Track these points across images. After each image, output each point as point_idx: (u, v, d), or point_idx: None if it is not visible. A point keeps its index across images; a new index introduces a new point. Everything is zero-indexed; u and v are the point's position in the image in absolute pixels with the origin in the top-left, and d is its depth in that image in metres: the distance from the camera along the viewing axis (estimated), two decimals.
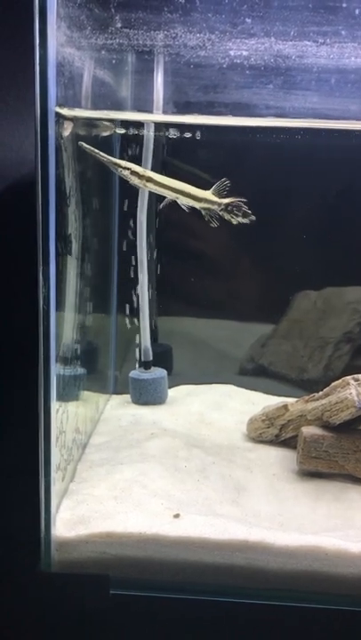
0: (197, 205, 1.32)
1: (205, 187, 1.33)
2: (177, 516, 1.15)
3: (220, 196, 1.30)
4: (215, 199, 1.31)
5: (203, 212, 1.32)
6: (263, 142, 1.46)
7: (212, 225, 1.34)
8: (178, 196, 1.31)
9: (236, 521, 1.16)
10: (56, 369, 1.09)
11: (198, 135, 1.30)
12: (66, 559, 1.11)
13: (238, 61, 1.00)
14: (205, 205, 1.31)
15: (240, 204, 1.31)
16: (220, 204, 1.31)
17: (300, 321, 1.98)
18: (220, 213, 1.32)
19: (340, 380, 1.38)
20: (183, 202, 1.31)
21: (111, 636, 1.10)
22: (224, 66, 1.02)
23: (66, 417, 1.20)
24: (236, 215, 1.33)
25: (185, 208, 1.32)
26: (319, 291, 1.97)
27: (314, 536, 1.13)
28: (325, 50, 0.94)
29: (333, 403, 1.36)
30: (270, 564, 1.11)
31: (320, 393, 1.43)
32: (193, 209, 1.33)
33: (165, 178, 1.31)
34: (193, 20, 0.94)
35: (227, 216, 1.32)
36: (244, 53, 0.97)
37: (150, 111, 1.33)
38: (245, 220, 1.32)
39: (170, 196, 1.31)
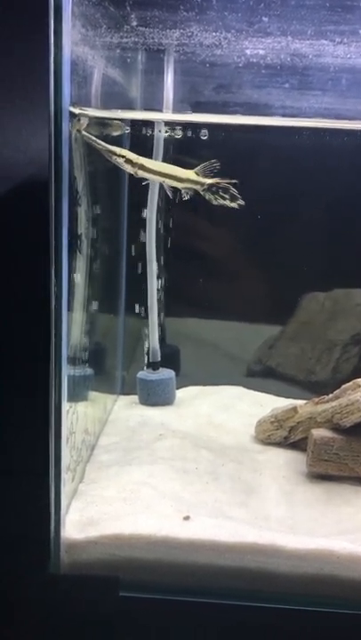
0: (180, 186, 1.26)
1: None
2: (187, 518, 1.14)
3: (207, 177, 1.25)
4: (198, 179, 1.24)
5: (183, 192, 1.27)
6: (273, 142, 1.45)
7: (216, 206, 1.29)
8: (164, 179, 1.26)
9: (246, 523, 1.16)
10: (67, 369, 1.08)
11: (205, 134, 1.29)
12: (75, 561, 1.10)
13: (254, 60, 0.99)
14: (188, 185, 1.25)
15: (227, 186, 1.25)
16: (203, 184, 1.24)
17: (308, 323, 1.97)
18: (203, 194, 1.26)
19: (350, 383, 1.37)
20: (168, 183, 1.26)
21: (120, 638, 1.09)
22: (240, 65, 1.01)
23: (76, 418, 1.20)
24: (223, 198, 1.26)
25: (168, 192, 1.28)
26: (327, 292, 1.97)
27: (325, 539, 1.12)
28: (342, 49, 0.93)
29: (344, 405, 1.36)
30: (281, 568, 1.10)
31: (330, 395, 1.42)
32: (197, 200, 1.30)
33: (155, 162, 1.28)
34: (208, 19, 0.93)
35: (208, 196, 1.26)
36: (261, 52, 0.97)
37: (160, 110, 1.32)
38: (234, 205, 1.25)
39: (157, 180, 1.26)
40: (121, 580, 1.08)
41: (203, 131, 1.34)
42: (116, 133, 1.45)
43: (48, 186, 0.97)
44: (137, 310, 1.71)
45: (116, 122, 1.42)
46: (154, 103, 1.35)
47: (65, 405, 1.06)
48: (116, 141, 1.57)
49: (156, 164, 1.27)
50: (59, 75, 0.92)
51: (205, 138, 1.36)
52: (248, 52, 0.96)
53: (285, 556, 1.10)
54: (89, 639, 1.09)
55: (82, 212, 1.41)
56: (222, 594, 1.09)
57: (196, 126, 1.35)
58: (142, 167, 1.25)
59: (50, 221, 0.96)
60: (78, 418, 1.22)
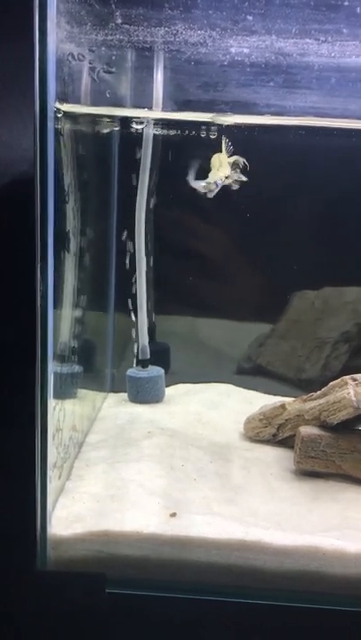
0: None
1: None
2: (173, 515, 1.15)
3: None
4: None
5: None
6: (261, 140, 1.45)
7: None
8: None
9: (234, 520, 1.16)
10: (53, 366, 1.08)
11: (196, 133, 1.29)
12: (62, 557, 1.10)
13: (239, 59, 1.00)
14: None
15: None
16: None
17: (299, 321, 1.98)
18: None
19: (338, 380, 1.38)
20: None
21: (107, 635, 1.09)
22: (225, 63, 1.02)
23: (63, 415, 1.20)
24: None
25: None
26: (318, 291, 1.97)
27: (311, 536, 1.12)
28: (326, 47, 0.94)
29: (331, 402, 1.36)
30: (268, 564, 1.10)
31: (318, 392, 1.42)
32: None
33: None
34: (193, 17, 0.94)
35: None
36: (245, 51, 0.97)
37: (150, 108, 1.33)
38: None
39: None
40: (107, 577, 1.08)
41: (190, 129, 1.34)
42: (105, 131, 1.45)
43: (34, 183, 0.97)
44: (126, 308, 1.72)
45: (106, 120, 1.42)
46: (141, 101, 1.35)
47: (51, 402, 1.06)
48: (105, 139, 1.57)
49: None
50: (44, 72, 0.91)
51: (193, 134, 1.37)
52: (233, 50, 0.97)
53: (272, 553, 1.10)
54: (76, 636, 1.09)
55: (70, 209, 1.41)
56: (209, 590, 1.09)
57: (183, 125, 1.35)
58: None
59: (35, 218, 0.96)
60: (65, 415, 1.22)
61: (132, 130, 1.51)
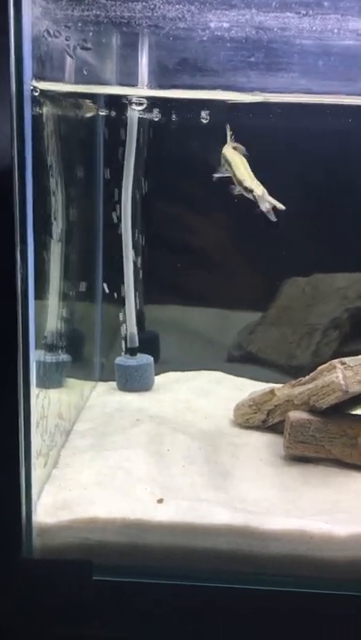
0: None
1: None
2: (160, 501, 1.14)
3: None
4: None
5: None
6: (248, 121, 1.43)
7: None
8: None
9: (221, 506, 1.15)
10: (36, 354, 1.07)
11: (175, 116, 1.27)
12: (48, 545, 1.09)
13: (219, 34, 0.98)
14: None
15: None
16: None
17: (289, 308, 1.97)
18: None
19: (326, 364, 1.37)
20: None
21: (94, 622, 1.09)
22: (205, 39, 1.00)
23: (47, 402, 1.19)
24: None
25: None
26: (308, 277, 1.96)
27: (299, 520, 1.12)
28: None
29: (320, 387, 1.35)
30: (255, 549, 1.09)
31: (307, 377, 1.41)
32: None
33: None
34: None
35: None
36: (225, 25, 0.95)
37: (132, 85, 1.30)
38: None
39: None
40: (95, 564, 1.07)
41: (175, 112, 1.33)
42: (88, 115, 1.43)
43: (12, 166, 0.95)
44: (115, 296, 1.70)
45: (88, 103, 1.40)
46: (123, 79, 1.33)
47: (34, 390, 1.05)
48: (90, 123, 1.55)
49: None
50: (19, 52, 0.89)
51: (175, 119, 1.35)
52: (212, 25, 0.95)
53: (259, 537, 1.10)
54: (62, 623, 1.09)
55: (53, 194, 1.39)
56: (196, 576, 1.08)
57: (167, 105, 1.33)
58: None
59: (14, 198, 0.94)
60: (50, 403, 1.20)
61: (118, 113, 1.50)
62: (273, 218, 1.28)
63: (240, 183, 1.32)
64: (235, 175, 1.34)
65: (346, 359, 1.35)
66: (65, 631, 1.09)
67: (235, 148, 1.35)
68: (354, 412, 1.42)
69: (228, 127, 1.33)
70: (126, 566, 1.09)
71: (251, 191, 1.29)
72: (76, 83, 1.19)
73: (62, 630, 1.08)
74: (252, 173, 1.34)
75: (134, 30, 1.01)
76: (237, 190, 1.34)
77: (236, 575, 1.10)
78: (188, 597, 1.08)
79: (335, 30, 0.95)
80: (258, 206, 1.29)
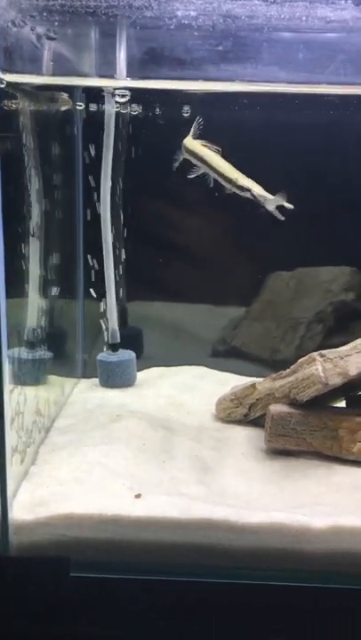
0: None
1: None
2: (138, 496, 1.13)
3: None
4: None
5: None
6: (228, 112, 1.42)
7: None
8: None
9: (200, 500, 1.14)
10: (10, 351, 1.06)
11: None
12: (24, 543, 1.08)
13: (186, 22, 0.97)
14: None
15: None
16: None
17: (273, 302, 1.96)
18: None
19: (306, 357, 1.36)
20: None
21: (72, 619, 1.08)
22: (171, 27, 0.99)
23: (23, 399, 1.18)
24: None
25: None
26: (292, 271, 1.96)
27: (278, 513, 1.11)
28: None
29: (300, 379, 1.34)
30: (234, 543, 1.09)
31: (287, 370, 1.41)
32: None
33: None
34: None
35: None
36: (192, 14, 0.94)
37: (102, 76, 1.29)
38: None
39: None
40: (72, 561, 1.06)
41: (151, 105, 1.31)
42: (63, 108, 1.42)
43: None
44: (96, 292, 1.69)
45: (63, 96, 1.39)
46: (103, 71, 1.31)
47: (7, 386, 1.04)
48: (66, 116, 1.54)
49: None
50: None
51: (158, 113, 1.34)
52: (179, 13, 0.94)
53: (238, 531, 1.09)
54: (40, 621, 1.08)
55: (29, 190, 1.38)
56: (175, 571, 1.08)
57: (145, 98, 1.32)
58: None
59: None
60: (27, 399, 1.19)
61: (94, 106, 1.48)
62: (281, 217, 1.24)
63: (231, 182, 1.29)
64: (222, 175, 1.30)
65: (325, 351, 1.34)
66: (42, 629, 1.08)
67: (204, 145, 1.33)
68: (335, 405, 1.42)
69: (197, 120, 1.31)
70: (104, 562, 1.08)
71: (248, 190, 1.25)
72: (49, 75, 1.17)
73: (40, 628, 1.08)
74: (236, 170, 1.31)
75: (102, 20, 0.99)
76: (228, 189, 1.30)
77: (215, 570, 1.09)
78: (167, 593, 1.07)
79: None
80: (262, 206, 1.25)
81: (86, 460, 1.23)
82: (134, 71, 1.29)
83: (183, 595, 1.08)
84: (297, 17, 0.94)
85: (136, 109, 1.54)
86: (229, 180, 1.29)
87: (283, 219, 1.23)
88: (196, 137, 1.36)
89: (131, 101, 1.49)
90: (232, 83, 1.18)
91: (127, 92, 1.38)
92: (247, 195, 1.28)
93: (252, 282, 1.94)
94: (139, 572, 1.08)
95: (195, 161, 1.35)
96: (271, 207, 1.23)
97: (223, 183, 1.32)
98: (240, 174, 1.29)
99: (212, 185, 1.36)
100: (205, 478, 1.25)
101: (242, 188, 1.27)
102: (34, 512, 1.09)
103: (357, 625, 1.07)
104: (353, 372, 1.31)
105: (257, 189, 1.24)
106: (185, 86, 1.27)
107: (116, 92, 1.38)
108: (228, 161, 1.34)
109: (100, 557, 1.09)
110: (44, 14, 0.93)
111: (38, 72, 1.14)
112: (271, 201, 1.23)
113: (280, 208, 1.26)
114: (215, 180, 1.34)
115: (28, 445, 1.22)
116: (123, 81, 1.27)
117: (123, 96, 1.39)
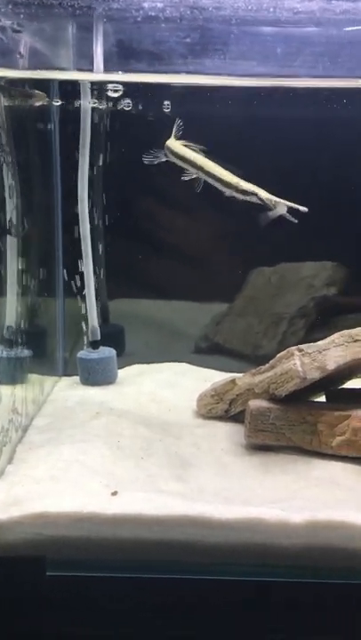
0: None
1: None
2: (115, 493, 1.12)
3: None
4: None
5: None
6: (211, 108, 1.40)
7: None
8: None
9: (178, 496, 1.13)
10: None
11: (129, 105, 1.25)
12: None
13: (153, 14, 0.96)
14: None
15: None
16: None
17: (255, 298, 1.96)
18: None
19: (284, 352, 1.36)
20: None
21: (49, 618, 1.07)
22: (138, 19, 0.98)
23: None
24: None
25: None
26: (274, 267, 1.95)
27: (255, 508, 1.10)
28: None
29: (279, 374, 1.34)
30: (210, 538, 1.08)
31: (266, 365, 1.40)
32: None
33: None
34: None
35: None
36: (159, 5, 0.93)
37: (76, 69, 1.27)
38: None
39: None
40: (48, 560, 1.05)
41: (125, 101, 1.30)
42: (37, 104, 1.40)
43: None
44: (75, 290, 1.68)
45: (38, 92, 1.37)
46: (80, 65, 1.30)
47: None
48: (41, 113, 1.53)
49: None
50: None
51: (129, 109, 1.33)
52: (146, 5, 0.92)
53: (216, 527, 1.08)
54: (17, 621, 1.06)
55: (6, 188, 1.37)
56: (151, 568, 1.07)
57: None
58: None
59: None
60: (1, 398, 1.18)
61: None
62: (294, 220, 1.21)
63: (230, 186, 1.26)
64: (219, 179, 1.27)
65: (303, 346, 1.34)
66: (19, 629, 1.07)
67: (186, 146, 1.31)
68: (314, 400, 1.42)
69: (177, 121, 1.29)
70: (81, 561, 1.07)
71: (254, 194, 1.22)
72: (22, 68, 1.16)
73: (17, 628, 1.06)
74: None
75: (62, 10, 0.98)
76: (228, 193, 1.27)
77: (193, 566, 1.08)
78: (145, 590, 1.07)
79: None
80: (269, 210, 1.22)
81: (63, 458, 1.22)
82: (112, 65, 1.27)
83: (162, 592, 1.07)
84: (264, 8, 0.93)
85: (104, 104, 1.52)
86: (228, 185, 1.26)
87: (296, 222, 1.20)
88: (178, 137, 1.35)
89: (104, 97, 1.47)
90: (203, 76, 1.17)
91: (120, 87, 1.36)
92: (253, 199, 1.24)
93: (234, 278, 1.93)
94: (116, 570, 1.07)
95: (181, 163, 1.33)
96: (283, 211, 1.20)
97: (220, 188, 1.29)
98: (238, 178, 1.26)
99: (199, 190, 1.34)
100: (184, 474, 1.25)
101: (246, 192, 1.23)
102: (8, 511, 1.08)
103: (337, 619, 1.07)
104: (331, 365, 1.30)
105: (263, 193, 1.21)
106: (155, 79, 1.25)
107: (109, 86, 1.36)
108: (212, 160, 1.32)
109: (77, 556, 1.08)
110: (10, 6, 0.92)
111: (9, 65, 1.12)
112: (282, 205, 1.19)
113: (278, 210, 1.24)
114: (205, 183, 1.32)
115: (4, 444, 1.20)
116: (97, 74, 1.25)
117: (115, 91, 1.37)
